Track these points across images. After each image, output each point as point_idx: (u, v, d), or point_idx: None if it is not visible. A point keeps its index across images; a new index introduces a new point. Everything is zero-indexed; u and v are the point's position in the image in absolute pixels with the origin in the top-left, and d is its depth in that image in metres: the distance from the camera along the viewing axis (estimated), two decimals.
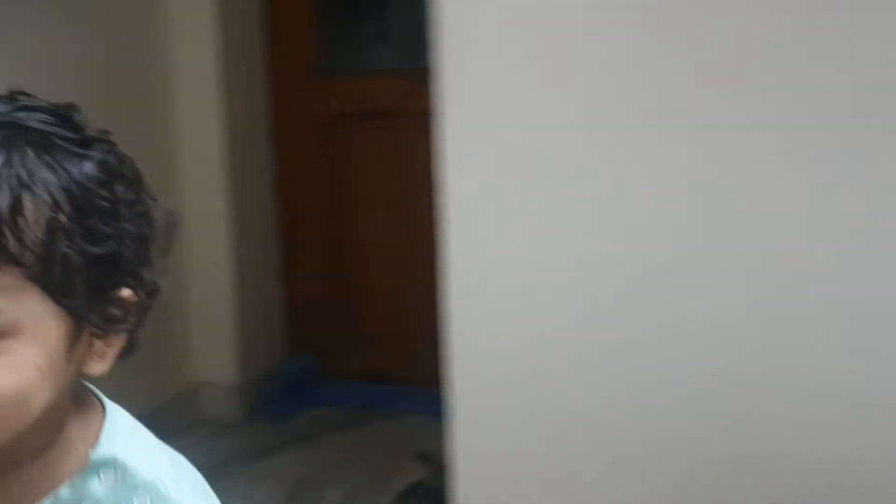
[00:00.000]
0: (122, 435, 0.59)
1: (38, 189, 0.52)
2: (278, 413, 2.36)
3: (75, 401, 0.59)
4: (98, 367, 0.57)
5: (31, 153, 0.53)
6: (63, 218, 0.53)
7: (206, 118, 2.28)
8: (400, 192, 2.44)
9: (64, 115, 0.57)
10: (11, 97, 0.57)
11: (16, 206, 0.51)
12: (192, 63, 2.26)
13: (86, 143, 0.57)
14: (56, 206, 0.52)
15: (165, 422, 2.30)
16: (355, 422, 2.32)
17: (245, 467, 2.04)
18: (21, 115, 0.56)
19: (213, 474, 1.87)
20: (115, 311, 0.58)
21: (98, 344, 0.57)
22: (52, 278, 0.52)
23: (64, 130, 0.56)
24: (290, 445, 2.19)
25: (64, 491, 0.56)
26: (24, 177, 0.52)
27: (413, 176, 2.41)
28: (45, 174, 0.53)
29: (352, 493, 1.89)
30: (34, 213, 0.51)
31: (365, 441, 2.21)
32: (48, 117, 0.56)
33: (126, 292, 0.58)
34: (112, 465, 0.57)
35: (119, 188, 0.57)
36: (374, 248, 2.49)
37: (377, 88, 2.44)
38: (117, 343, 0.58)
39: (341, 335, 2.53)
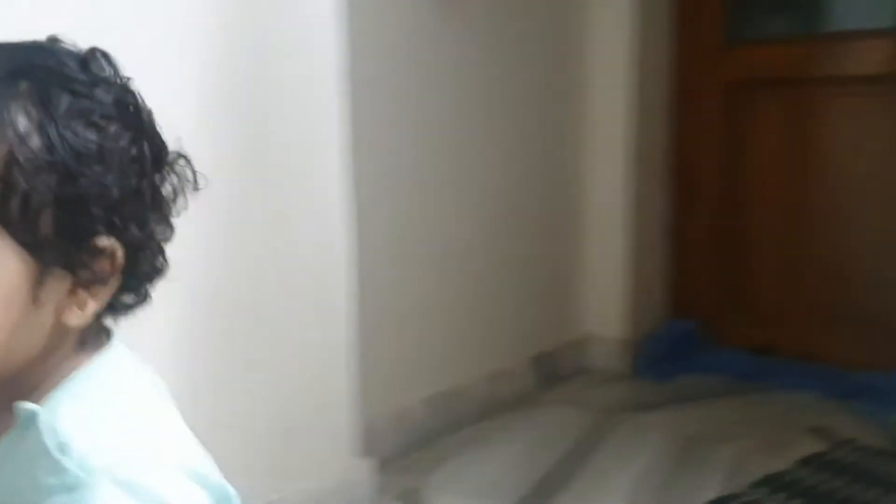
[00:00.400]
0: (71, 393, 0.54)
1: (3, 125, 0.50)
2: (659, 373, 2.44)
3: (76, 354, 0.56)
4: (75, 319, 0.54)
5: (19, 89, 0.51)
6: (25, 153, 0.50)
7: (615, 91, 2.41)
8: (797, 163, 2.39)
9: (82, 58, 0.55)
10: (46, 41, 0.57)
11: None
12: (606, 39, 2.40)
13: (91, 83, 0.54)
14: (20, 140, 0.50)
15: (555, 366, 2.51)
16: (739, 390, 2.32)
17: (634, 417, 2.16)
18: (37, 54, 0.54)
19: (602, 419, 2.03)
20: (92, 260, 0.54)
21: (81, 294, 0.54)
22: (9, 214, 0.50)
23: (72, 72, 0.54)
24: (677, 403, 2.26)
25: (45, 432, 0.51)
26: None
27: (812, 145, 2.33)
28: (17, 110, 0.51)
29: (745, 454, 1.91)
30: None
31: (752, 409, 2.21)
32: (62, 59, 0.54)
33: (104, 241, 0.54)
34: (33, 423, 0.52)
35: (112, 132, 0.54)
36: (767, 221, 2.46)
37: (779, 56, 2.40)
38: (102, 295, 0.55)
39: (726, 303, 2.54)
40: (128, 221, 0.55)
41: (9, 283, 0.51)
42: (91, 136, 0.53)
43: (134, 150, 0.55)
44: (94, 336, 0.58)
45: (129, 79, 0.57)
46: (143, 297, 0.60)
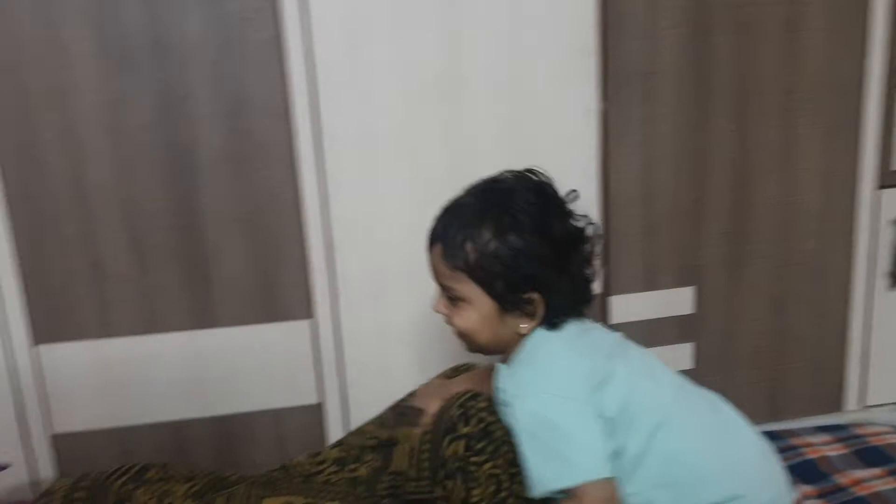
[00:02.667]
0: (510, 371, 1.12)
1: (480, 241, 1.07)
2: None
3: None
4: (523, 329, 1.11)
5: (486, 218, 1.08)
6: (488, 258, 1.07)
7: None
8: None
9: (529, 190, 1.10)
10: (525, 172, 1.13)
11: (462, 245, 1.08)
12: None
13: (524, 211, 1.07)
14: (485, 251, 1.07)
15: None
16: None
17: None
18: (500, 197, 1.10)
19: None
20: (526, 304, 1.09)
21: (524, 318, 1.10)
22: (481, 281, 1.09)
23: (516, 206, 1.07)
24: None
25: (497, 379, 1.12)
26: (472, 230, 1.08)
27: None
28: (483, 232, 1.07)
29: None
30: (473, 252, 1.08)
31: None
32: (514, 198, 1.08)
33: (532, 295, 1.09)
34: (498, 381, 1.11)
35: (532, 240, 1.06)
36: None
37: None
38: (536, 318, 1.10)
39: None
40: (543, 284, 1.08)
41: (487, 313, 1.11)
42: (518, 243, 1.06)
43: (544, 250, 1.07)
44: (549, 329, 1.12)
45: (553, 202, 1.11)
46: (570, 312, 1.13)
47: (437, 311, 1.15)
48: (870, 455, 1.62)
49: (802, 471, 1.59)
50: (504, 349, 1.15)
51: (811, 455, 1.64)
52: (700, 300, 1.69)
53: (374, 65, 1.49)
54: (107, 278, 1.50)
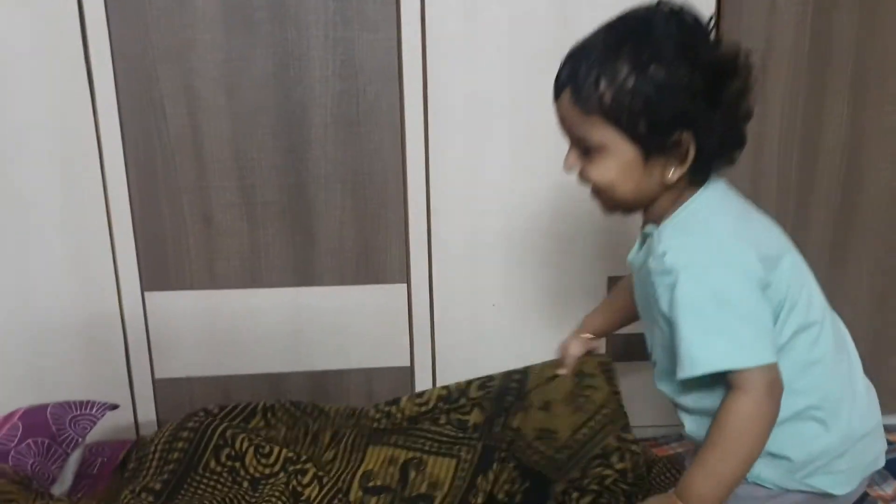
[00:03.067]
0: (673, 222, 0.99)
1: (616, 76, 0.93)
2: None
3: (677, 193, 0.99)
4: (669, 178, 0.97)
5: (622, 50, 0.93)
6: (627, 94, 0.92)
7: None
8: None
9: (663, 18, 0.94)
10: (651, 7, 0.95)
11: (596, 84, 0.94)
12: None
13: (664, 36, 0.92)
14: (623, 87, 0.92)
15: None
16: None
17: None
18: (637, 26, 0.95)
19: None
20: (674, 146, 0.95)
21: (671, 163, 0.96)
22: (620, 122, 0.94)
23: (655, 34, 0.93)
24: None
25: (651, 229, 1.01)
26: (606, 65, 0.93)
27: None
28: (621, 65, 0.92)
29: None
30: (609, 90, 0.93)
31: None
32: (651, 26, 0.93)
33: (684, 135, 0.94)
34: (653, 237, 0.99)
35: (674, 70, 0.91)
36: None
37: None
38: (684, 164, 0.95)
39: None
40: (694, 121, 0.93)
41: (629, 161, 0.96)
42: (661, 74, 0.92)
43: (689, 79, 0.92)
44: (697, 182, 0.99)
45: (696, 28, 0.95)
46: (724, 155, 0.98)
47: (568, 169, 1.02)
48: None
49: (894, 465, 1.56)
50: (647, 203, 1.02)
51: None
52: None
53: (485, 35, 1.49)
54: (215, 232, 1.55)
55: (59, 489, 1.30)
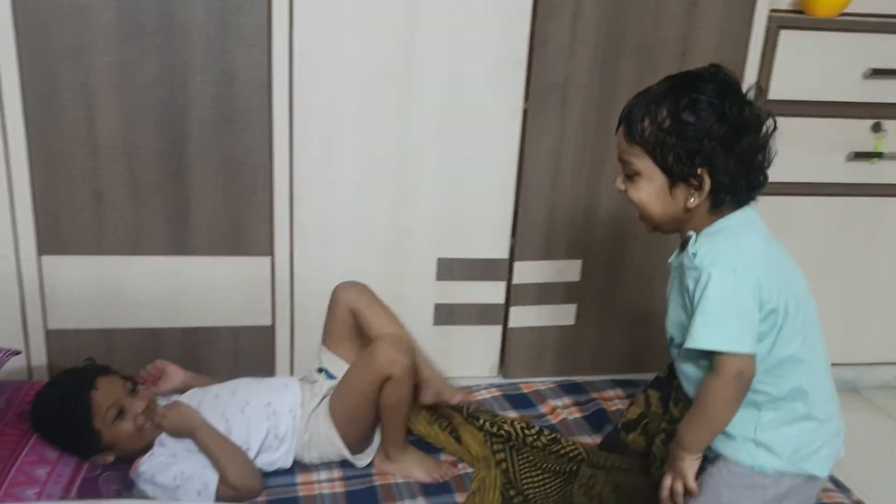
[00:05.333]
0: (706, 232, 1.26)
1: (657, 117, 1.23)
2: None
3: (699, 221, 1.27)
4: (690, 204, 1.25)
5: (668, 98, 1.23)
6: (662, 132, 1.22)
7: None
8: None
9: (709, 79, 1.23)
10: (711, 66, 1.25)
11: (642, 121, 1.24)
12: None
13: (712, 102, 1.20)
14: (660, 126, 1.22)
15: None
16: None
17: None
18: (688, 81, 1.24)
19: None
20: (694, 179, 1.23)
21: (692, 192, 1.24)
22: (655, 154, 1.24)
23: (699, 90, 1.21)
24: None
25: (691, 234, 1.27)
26: (652, 107, 1.23)
27: None
28: (665, 109, 1.22)
29: None
30: (650, 127, 1.23)
31: None
32: (700, 84, 1.22)
33: (702, 171, 1.22)
34: (690, 240, 1.26)
35: (704, 120, 1.20)
36: None
37: None
38: (702, 194, 1.23)
39: None
40: (710, 160, 1.21)
41: (660, 187, 1.25)
42: (690, 119, 1.20)
43: (711, 128, 1.20)
44: (723, 207, 1.26)
45: (729, 90, 1.22)
46: (736, 193, 1.25)
47: (617, 187, 1.31)
48: None
49: None
50: (676, 225, 1.29)
51: None
52: (585, 270, 2.10)
53: (343, 55, 1.82)
54: (105, 206, 1.82)
55: None
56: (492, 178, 1.97)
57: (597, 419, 1.97)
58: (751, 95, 1.25)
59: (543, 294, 2.09)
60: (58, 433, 1.60)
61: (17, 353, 1.68)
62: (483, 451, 1.75)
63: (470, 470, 1.74)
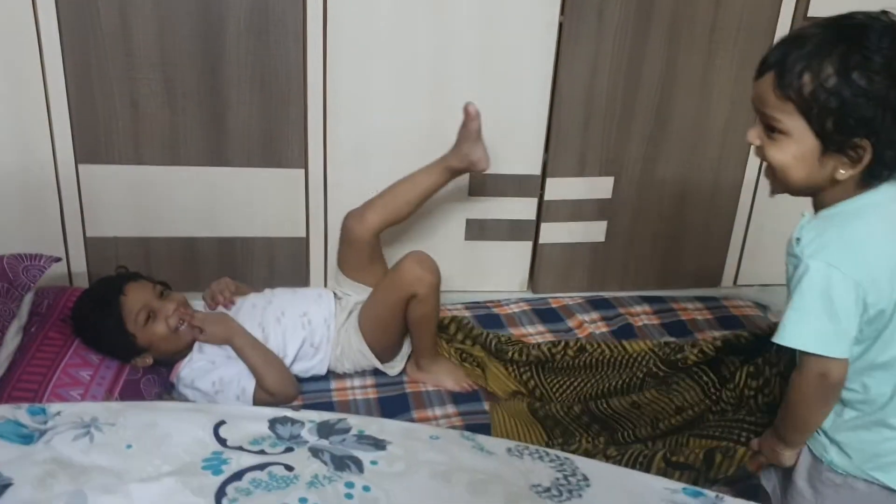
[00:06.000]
0: (816, 225, 1.10)
1: (821, 74, 1.02)
2: None
3: (842, 193, 1.09)
4: (839, 176, 1.07)
5: (835, 50, 1.02)
6: (825, 92, 1.02)
7: None
8: None
9: (880, 31, 1.01)
10: (880, 12, 1.04)
11: (800, 75, 1.04)
12: None
13: (875, 50, 1.01)
14: (824, 85, 1.02)
15: None
16: None
17: None
18: (852, 30, 1.03)
19: None
20: (852, 150, 1.05)
21: (844, 163, 1.07)
22: (810, 115, 1.05)
23: (867, 43, 1.01)
24: None
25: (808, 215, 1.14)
26: (814, 61, 1.03)
27: None
28: (827, 64, 1.02)
29: None
30: (810, 84, 1.03)
31: None
32: (867, 34, 1.01)
33: (860, 142, 1.04)
34: (804, 219, 1.13)
35: (876, 82, 1.01)
36: None
37: None
38: (858, 167, 1.06)
39: None
40: (878, 132, 1.03)
41: (807, 151, 1.07)
42: (863, 83, 1.01)
43: (885, 93, 1.01)
44: (876, 182, 1.08)
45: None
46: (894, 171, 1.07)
47: (750, 141, 1.13)
48: (726, 321, 2.10)
49: (674, 328, 2.06)
50: (813, 193, 1.12)
51: (684, 317, 2.11)
52: (617, 188, 2.10)
53: None
54: (141, 116, 1.83)
55: (17, 323, 1.61)
56: (527, 93, 1.96)
57: (623, 333, 2.00)
58: None
59: (575, 211, 2.10)
60: (96, 338, 1.65)
61: (58, 259, 1.72)
62: (508, 390, 1.75)
63: None
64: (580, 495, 1.00)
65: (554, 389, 1.73)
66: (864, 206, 1.09)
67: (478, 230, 2.08)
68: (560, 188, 2.07)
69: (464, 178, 2.01)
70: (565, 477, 1.04)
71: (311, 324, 1.73)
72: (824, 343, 1.09)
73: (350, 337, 1.73)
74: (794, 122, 1.06)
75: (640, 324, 2.06)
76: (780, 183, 1.13)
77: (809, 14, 1.99)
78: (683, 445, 1.47)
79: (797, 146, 1.07)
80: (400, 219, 1.81)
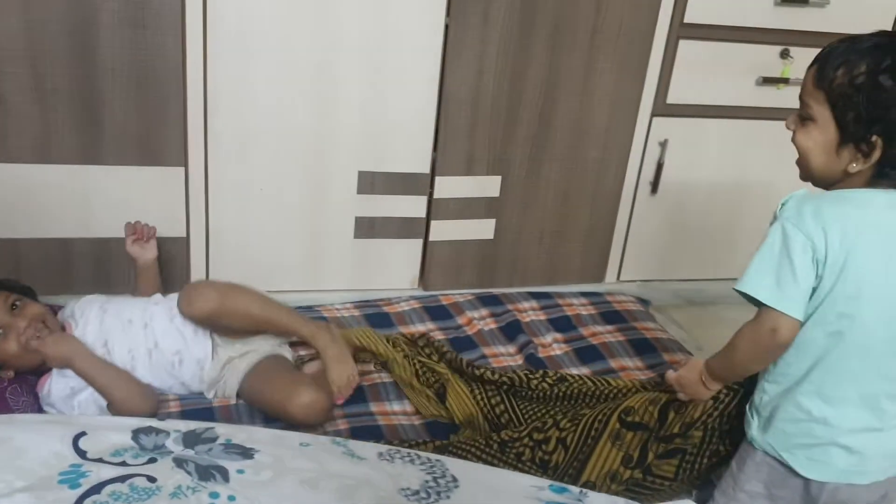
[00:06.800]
0: (804, 198, 1.19)
1: (853, 70, 1.13)
2: None
3: (853, 187, 1.17)
4: (851, 169, 1.16)
5: (878, 57, 1.12)
6: (852, 87, 1.13)
7: None
8: None
9: None
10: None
11: (836, 68, 1.14)
12: None
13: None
14: (853, 80, 1.13)
15: None
16: None
17: None
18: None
19: None
20: (866, 145, 1.14)
21: (858, 157, 1.15)
22: (836, 105, 1.15)
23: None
24: None
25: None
26: (852, 58, 1.13)
27: None
28: (864, 64, 1.12)
29: None
30: (842, 77, 1.14)
31: None
32: None
33: (874, 138, 1.13)
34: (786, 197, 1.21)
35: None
36: None
37: None
38: (868, 161, 1.14)
39: None
40: (890, 132, 1.12)
41: (828, 140, 1.16)
42: (887, 84, 1.11)
43: None
44: (884, 181, 1.16)
45: None
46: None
47: (787, 127, 1.23)
48: (609, 316, 2.17)
49: (560, 323, 2.11)
50: (829, 184, 1.21)
51: (569, 312, 2.17)
52: (505, 187, 2.13)
53: None
54: (9, 112, 1.74)
55: None
56: (414, 93, 1.96)
57: (511, 329, 2.05)
58: None
59: (464, 209, 2.12)
60: None
61: None
62: (468, 413, 1.68)
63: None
64: (448, 496, 1.02)
65: (526, 416, 1.65)
66: (855, 197, 1.18)
67: (367, 228, 2.07)
68: (449, 186, 2.08)
69: (352, 176, 2.00)
70: (434, 479, 1.05)
71: (182, 364, 1.66)
72: (778, 297, 1.17)
73: (227, 388, 1.69)
74: (822, 111, 1.17)
75: (527, 320, 2.10)
76: (804, 169, 1.23)
77: (686, 21, 2.07)
78: (637, 406, 1.50)
79: (820, 134, 1.17)
80: (231, 324, 1.66)
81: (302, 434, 1.21)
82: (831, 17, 2.11)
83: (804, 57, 2.09)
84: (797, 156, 1.23)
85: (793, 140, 1.22)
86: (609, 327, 2.12)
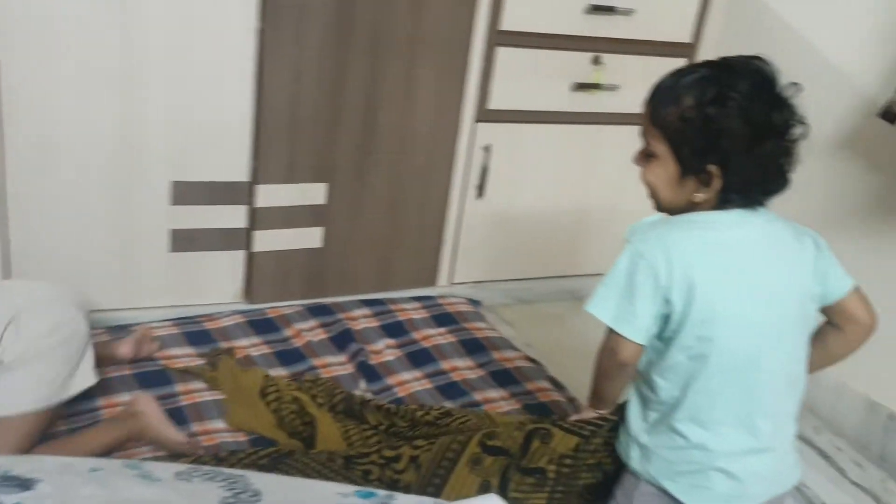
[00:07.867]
0: (655, 224, 1.23)
1: (682, 105, 1.16)
2: None
3: (701, 207, 1.20)
4: (696, 199, 1.19)
5: (700, 86, 1.15)
6: (683, 122, 1.16)
7: None
8: None
9: (749, 73, 1.15)
10: (754, 58, 1.17)
11: (667, 106, 1.17)
12: None
13: (732, 87, 1.13)
14: (683, 115, 1.16)
15: None
16: None
17: None
18: (738, 67, 1.16)
19: None
20: (705, 175, 1.17)
21: (700, 187, 1.18)
22: (670, 139, 1.18)
23: (731, 82, 1.14)
24: None
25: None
26: (679, 93, 1.16)
27: None
28: (692, 99, 1.16)
29: None
30: (673, 113, 1.17)
31: None
32: (736, 75, 1.15)
33: (711, 168, 1.17)
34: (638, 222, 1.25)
35: (727, 117, 1.13)
36: None
37: None
38: (710, 191, 1.17)
39: None
40: (724, 160, 1.15)
41: (670, 174, 1.20)
42: (713, 115, 1.13)
43: (733, 127, 1.13)
44: (731, 206, 1.18)
45: (763, 89, 1.15)
46: (746, 196, 1.18)
47: (635, 163, 1.25)
48: (441, 319, 2.19)
49: (392, 329, 2.11)
50: (682, 212, 1.23)
51: (402, 317, 2.17)
52: (332, 194, 2.11)
53: None
54: None
55: None
56: (228, 99, 1.91)
57: (341, 339, 2.02)
58: (789, 93, 1.17)
59: (288, 217, 2.08)
60: None
61: None
62: (338, 442, 1.59)
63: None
64: None
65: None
66: (700, 219, 1.20)
67: (185, 241, 1.99)
68: (271, 195, 2.03)
69: (163, 186, 1.92)
70: (235, 495, 1.01)
71: None
72: (616, 319, 1.20)
73: None
74: (660, 147, 1.20)
75: (359, 328, 2.09)
76: (655, 202, 1.26)
77: (502, 28, 2.12)
78: (501, 430, 1.44)
79: (663, 169, 1.20)
80: None
81: (97, 459, 1.14)
82: (638, 25, 2.24)
83: (614, 63, 2.26)
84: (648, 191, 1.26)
85: (641, 177, 1.25)
86: (441, 329, 2.14)
